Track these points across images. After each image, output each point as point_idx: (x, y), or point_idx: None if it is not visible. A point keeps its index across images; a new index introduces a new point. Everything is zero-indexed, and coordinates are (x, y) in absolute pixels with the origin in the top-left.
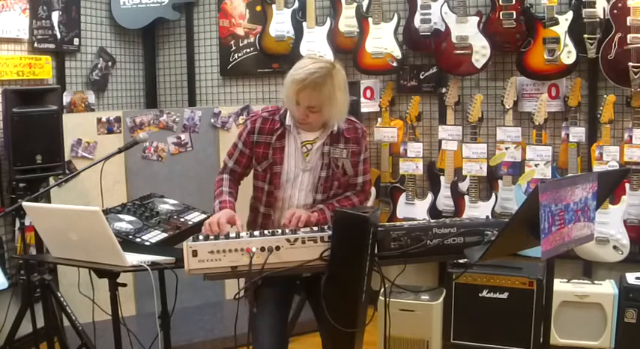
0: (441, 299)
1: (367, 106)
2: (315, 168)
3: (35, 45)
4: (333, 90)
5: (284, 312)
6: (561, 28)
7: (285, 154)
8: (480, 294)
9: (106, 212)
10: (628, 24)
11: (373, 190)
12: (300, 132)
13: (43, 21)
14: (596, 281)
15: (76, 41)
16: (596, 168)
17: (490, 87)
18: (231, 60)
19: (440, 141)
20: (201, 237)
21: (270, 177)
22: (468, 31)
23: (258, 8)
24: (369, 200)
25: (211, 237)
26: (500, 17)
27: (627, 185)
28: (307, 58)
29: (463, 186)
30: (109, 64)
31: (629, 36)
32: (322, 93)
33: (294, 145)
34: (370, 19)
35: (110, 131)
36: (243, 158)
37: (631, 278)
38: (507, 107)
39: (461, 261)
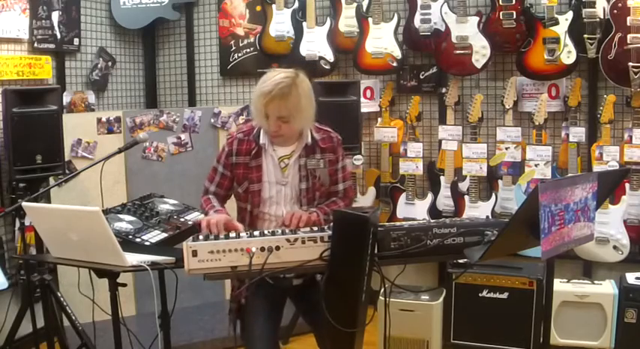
0: (441, 299)
1: (367, 106)
2: (294, 181)
3: (35, 45)
4: (299, 98)
5: (275, 321)
6: (561, 28)
7: (263, 172)
8: (480, 294)
9: (106, 212)
10: (628, 24)
11: (373, 190)
12: (276, 148)
13: (43, 21)
14: (596, 281)
15: (76, 41)
16: (596, 168)
17: (490, 87)
18: (231, 60)
19: (440, 141)
20: (201, 237)
21: (251, 197)
22: (468, 31)
23: (258, 8)
24: (353, 203)
25: (211, 237)
26: (500, 17)
27: (627, 185)
28: (271, 71)
29: (463, 186)
30: (109, 64)
31: (629, 36)
32: (289, 101)
33: (272, 162)
34: (370, 19)
35: (110, 131)
36: (225, 180)
37: (631, 278)
38: (507, 107)
39: (461, 261)
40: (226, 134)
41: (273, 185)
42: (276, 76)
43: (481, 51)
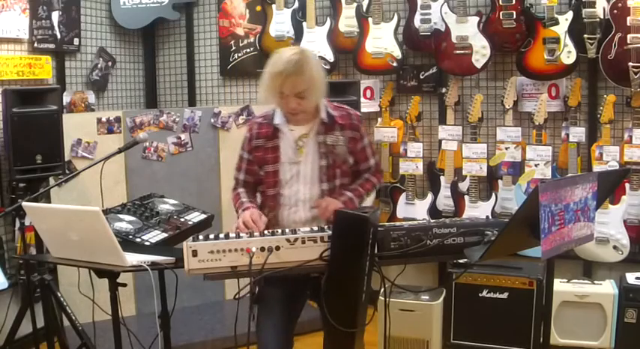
0: (441, 299)
1: (367, 106)
2: (313, 160)
3: (35, 45)
4: (312, 71)
5: (289, 312)
6: (561, 28)
7: (280, 152)
8: (480, 294)
9: (106, 212)
10: (628, 24)
11: None
12: (293, 128)
13: (43, 21)
14: (596, 281)
15: (76, 41)
16: (596, 168)
17: (490, 87)
18: (231, 60)
19: (440, 141)
20: (201, 237)
21: (265, 178)
22: (468, 31)
23: (258, 8)
24: (383, 176)
25: (211, 237)
26: (500, 17)
27: (627, 185)
28: (276, 53)
29: (463, 186)
30: (109, 64)
31: (629, 36)
32: (305, 75)
33: (289, 142)
34: (370, 19)
35: (110, 131)
36: (252, 165)
37: (631, 278)
38: (507, 107)
39: (461, 261)
40: (226, 134)
41: (293, 165)
42: (283, 55)
43: (481, 51)
